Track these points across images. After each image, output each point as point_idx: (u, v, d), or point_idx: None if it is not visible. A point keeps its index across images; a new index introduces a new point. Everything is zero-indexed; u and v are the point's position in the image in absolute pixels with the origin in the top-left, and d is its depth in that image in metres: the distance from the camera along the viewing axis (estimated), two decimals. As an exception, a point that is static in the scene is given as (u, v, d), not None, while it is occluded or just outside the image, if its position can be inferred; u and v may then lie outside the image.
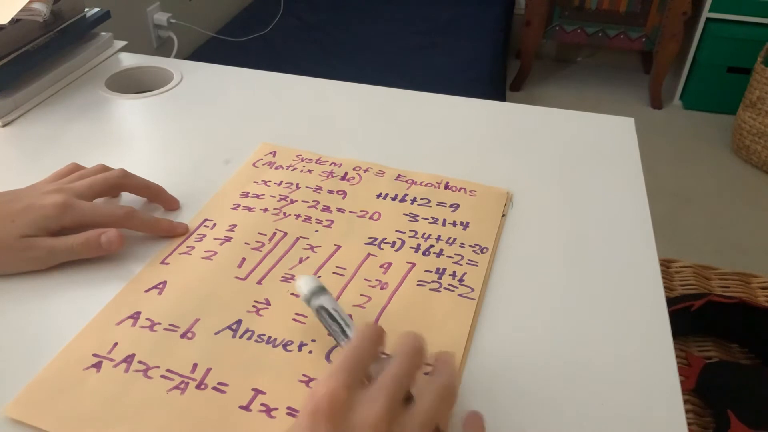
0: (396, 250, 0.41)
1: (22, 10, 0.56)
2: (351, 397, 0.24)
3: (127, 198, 0.46)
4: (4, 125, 0.56)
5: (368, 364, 0.26)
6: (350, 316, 0.34)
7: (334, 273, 0.39)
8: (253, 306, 0.37)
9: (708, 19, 1.79)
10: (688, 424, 0.32)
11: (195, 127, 0.56)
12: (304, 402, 0.24)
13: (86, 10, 0.66)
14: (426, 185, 0.47)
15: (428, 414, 0.25)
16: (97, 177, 0.43)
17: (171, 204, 0.45)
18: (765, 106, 1.62)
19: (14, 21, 0.56)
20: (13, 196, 0.41)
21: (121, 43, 0.68)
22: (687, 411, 0.68)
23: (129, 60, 0.66)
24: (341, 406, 0.24)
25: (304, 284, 0.33)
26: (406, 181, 0.48)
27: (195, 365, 0.33)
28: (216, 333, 0.35)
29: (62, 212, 0.40)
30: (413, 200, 0.46)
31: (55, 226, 0.40)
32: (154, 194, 0.45)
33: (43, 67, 0.60)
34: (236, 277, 0.39)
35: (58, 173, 0.44)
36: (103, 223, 0.41)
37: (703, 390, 0.70)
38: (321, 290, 0.33)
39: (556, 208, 0.46)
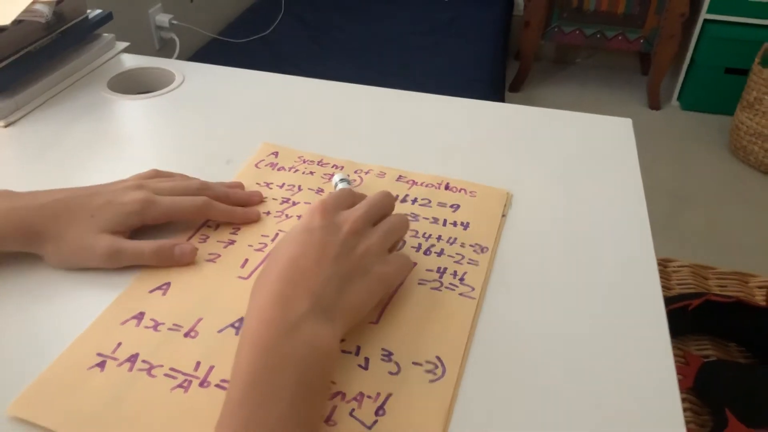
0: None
1: (24, 11, 0.56)
2: (337, 207, 0.36)
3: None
4: (7, 126, 0.56)
5: (348, 202, 0.38)
6: None
7: None
8: (256, 304, 0.37)
9: (706, 21, 1.80)
10: (686, 422, 0.32)
11: (197, 128, 0.56)
12: (306, 211, 0.36)
13: (88, 11, 0.66)
14: (426, 186, 0.48)
15: (391, 227, 0.37)
16: (179, 185, 0.43)
17: (253, 198, 0.46)
18: (762, 107, 1.63)
19: (17, 22, 0.56)
20: (92, 191, 0.41)
21: (123, 45, 0.69)
22: (685, 410, 0.68)
23: (131, 61, 0.67)
24: (331, 209, 0.36)
25: (335, 177, 0.48)
26: (407, 182, 0.48)
27: (198, 363, 0.34)
28: (219, 331, 0.36)
29: (144, 209, 0.40)
30: (414, 201, 0.46)
31: (136, 223, 0.40)
32: (235, 203, 0.44)
33: (46, 68, 0.61)
34: (239, 277, 0.39)
35: (139, 176, 0.44)
36: (184, 216, 0.42)
37: (701, 389, 0.70)
38: (343, 180, 0.47)
39: (555, 208, 0.46)
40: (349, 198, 0.38)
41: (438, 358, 0.34)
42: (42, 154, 0.52)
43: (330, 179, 0.49)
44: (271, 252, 0.35)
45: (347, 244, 0.34)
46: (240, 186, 0.47)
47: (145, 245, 0.40)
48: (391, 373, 0.33)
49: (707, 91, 1.89)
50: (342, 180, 0.47)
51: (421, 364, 0.34)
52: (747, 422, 0.64)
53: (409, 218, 0.45)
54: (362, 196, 0.39)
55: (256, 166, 0.50)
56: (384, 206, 0.38)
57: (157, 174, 0.45)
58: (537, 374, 0.34)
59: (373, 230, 0.36)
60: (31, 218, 0.39)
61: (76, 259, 0.39)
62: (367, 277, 0.34)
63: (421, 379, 0.33)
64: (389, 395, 0.32)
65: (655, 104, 1.96)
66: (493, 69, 1.60)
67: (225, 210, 0.43)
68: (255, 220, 0.44)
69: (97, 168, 0.50)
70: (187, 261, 0.40)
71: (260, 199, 0.46)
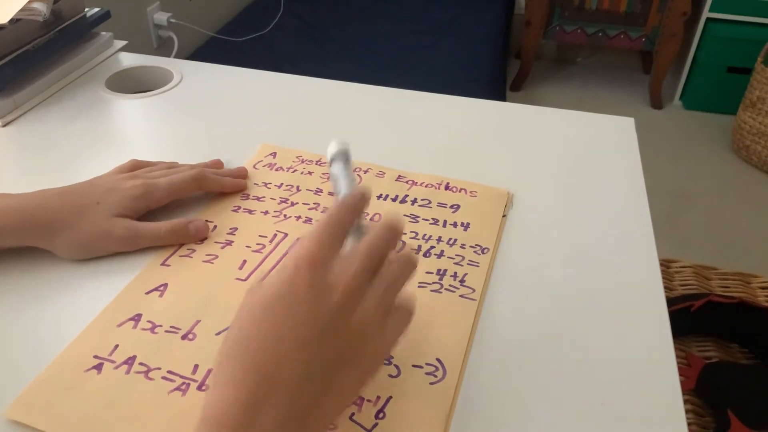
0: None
1: (22, 10, 0.56)
2: (330, 256, 0.28)
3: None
4: (4, 125, 0.56)
5: (346, 229, 0.29)
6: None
7: None
8: (254, 306, 0.37)
9: (708, 19, 1.79)
10: (688, 424, 0.32)
11: (195, 128, 0.56)
12: (289, 256, 0.28)
13: (86, 9, 0.66)
14: (426, 186, 0.47)
15: (393, 278, 0.29)
16: (170, 170, 0.45)
17: (241, 174, 0.48)
18: (765, 106, 1.62)
19: (14, 21, 0.55)
20: (89, 182, 0.42)
21: (121, 43, 0.68)
22: (687, 411, 0.68)
23: (129, 60, 0.66)
24: (321, 261, 0.27)
25: (330, 148, 0.36)
26: (407, 182, 0.48)
27: (196, 366, 0.33)
28: (217, 334, 0.35)
29: (147, 193, 0.41)
30: (414, 201, 0.46)
31: (142, 206, 0.41)
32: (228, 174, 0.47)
33: (43, 67, 0.60)
34: (237, 279, 0.39)
35: (120, 168, 0.45)
36: (183, 192, 0.43)
37: (703, 390, 0.70)
38: (339, 156, 0.35)
39: (557, 208, 0.46)
40: (343, 231, 0.29)
41: (438, 360, 0.34)
42: (40, 153, 0.52)
43: (329, 179, 0.48)
44: (240, 308, 0.27)
45: (340, 316, 0.26)
46: (220, 163, 0.49)
47: (161, 224, 0.41)
48: (390, 376, 0.33)
49: (709, 90, 1.88)
50: (340, 153, 0.35)
51: (421, 367, 0.34)
52: (749, 423, 0.64)
53: (409, 219, 0.44)
54: (359, 217, 0.31)
55: (254, 167, 0.50)
56: (388, 246, 0.30)
57: (137, 164, 0.46)
58: (538, 376, 0.34)
59: (372, 287, 0.28)
60: (37, 212, 0.39)
61: (93, 246, 0.40)
62: (359, 361, 0.27)
63: (421, 382, 0.33)
64: (389, 398, 0.32)
65: (657, 103, 1.95)
66: (493, 68, 1.59)
67: (217, 179, 0.45)
68: (244, 188, 0.46)
69: (95, 167, 0.50)
70: (202, 236, 0.42)
71: (245, 174, 0.48)
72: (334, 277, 0.27)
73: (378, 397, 0.32)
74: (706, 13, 1.78)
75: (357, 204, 0.30)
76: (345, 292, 0.27)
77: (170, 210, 0.44)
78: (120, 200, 0.40)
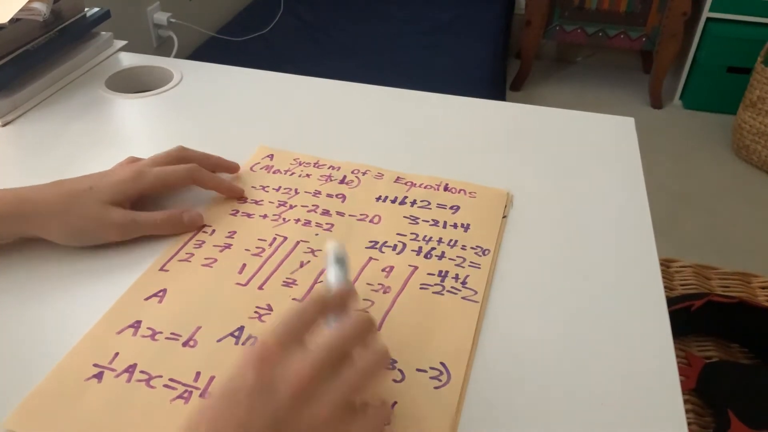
0: (397, 254, 0.41)
1: (21, 10, 0.56)
2: (283, 353, 0.26)
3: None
4: (4, 125, 0.55)
5: (309, 326, 0.28)
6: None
7: None
8: (255, 312, 0.37)
9: (708, 19, 1.79)
10: (688, 423, 0.32)
11: (194, 128, 0.56)
12: (244, 350, 0.27)
13: (86, 9, 0.66)
14: (425, 187, 0.47)
15: (357, 375, 0.27)
16: (161, 155, 0.45)
17: (232, 168, 0.48)
18: (765, 106, 1.62)
19: (14, 20, 0.55)
20: (82, 176, 0.42)
21: (121, 43, 0.68)
22: (687, 411, 0.68)
23: (129, 59, 0.66)
24: (271, 359, 0.26)
25: (329, 249, 0.34)
26: (406, 183, 0.48)
27: (198, 374, 0.33)
28: (218, 340, 0.35)
29: (137, 177, 0.41)
30: (413, 202, 0.46)
31: (133, 192, 0.41)
32: (214, 165, 0.47)
33: (43, 67, 0.60)
34: (237, 283, 0.39)
35: (119, 164, 0.45)
36: (175, 183, 0.43)
37: (704, 390, 0.70)
38: (336, 262, 0.33)
39: (557, 208, 0.46)
40: (306, 326, 0.28)
41: (442, 363, 0.34)
42: (40, 153, 0.52)
43: (327, 181, 0.48)
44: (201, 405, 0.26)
45: (287, 414, 0.24)
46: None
47: (156, 214, 0.41)
48: (395, 380, 0.33)
49: (709, 90, 1.88)
50: (338, 262, 0.33)
51: (425, 371, 0.33)
52: (749, 423, 0.64)
53: (408, 221, 0.44)
54: (343, 311, 0.30)
55: (252, 169, 0.50)
56: (355, 340, 0.28)
57: (135, 160, 0.46)
58: (540, 376, 0.34)
59: (330, 384, 0.26)
60: (31, 199, 0.39)
61: (87, 231, 0.40)
62: None
63: (426, 386, 0.33)
64: (394, 403, 0.32)
65: (657, 103, 1.95)
66: (494, 68, 1.59)
67: (213, 177, 0.45)
68: (239, 194, 0.46)
69: (95, 167, 0.49)
70: (196, 225, 0.42)
71: (237, 168, 0.48)
72: (285, 372, 0.25)
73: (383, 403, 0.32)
74: (706, 13, 1.78)
75: (331, 301, 0.29)
76: (294, 388, 0.25)
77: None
78: (111, 184, 0.41)
